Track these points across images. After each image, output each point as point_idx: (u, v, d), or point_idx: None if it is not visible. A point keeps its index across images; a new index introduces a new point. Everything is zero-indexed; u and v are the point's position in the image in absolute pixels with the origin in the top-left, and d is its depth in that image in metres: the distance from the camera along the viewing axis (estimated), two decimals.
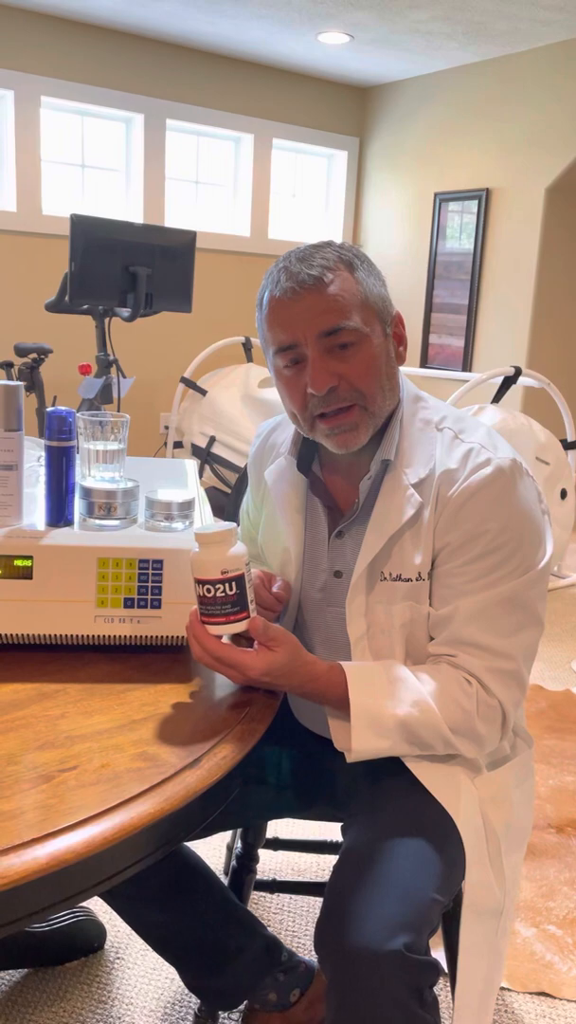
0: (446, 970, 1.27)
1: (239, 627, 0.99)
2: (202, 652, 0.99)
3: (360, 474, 1.16)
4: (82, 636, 1.07)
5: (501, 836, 1.12)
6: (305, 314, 1.08)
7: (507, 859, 1.13)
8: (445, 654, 1.10)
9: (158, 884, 1.28)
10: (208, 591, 0.98)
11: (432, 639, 1.13)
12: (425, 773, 1.10)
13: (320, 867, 1.88)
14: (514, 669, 1.09)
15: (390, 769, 1.11)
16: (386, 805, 1.11)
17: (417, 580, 1.11)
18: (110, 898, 1.32)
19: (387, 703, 1.05)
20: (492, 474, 1.08)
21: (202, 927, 1.31)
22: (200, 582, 0.98)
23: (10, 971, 1.59)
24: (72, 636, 1.06)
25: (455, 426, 1.15)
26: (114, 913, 1.70)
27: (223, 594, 0.98)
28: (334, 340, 1.09)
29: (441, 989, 1.54)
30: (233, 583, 0.98)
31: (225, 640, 1.00)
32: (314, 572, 1.22)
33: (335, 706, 1.08)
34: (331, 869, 1.07)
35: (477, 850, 1.09)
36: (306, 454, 1.23)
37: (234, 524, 1.01)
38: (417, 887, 1.01)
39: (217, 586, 0.97)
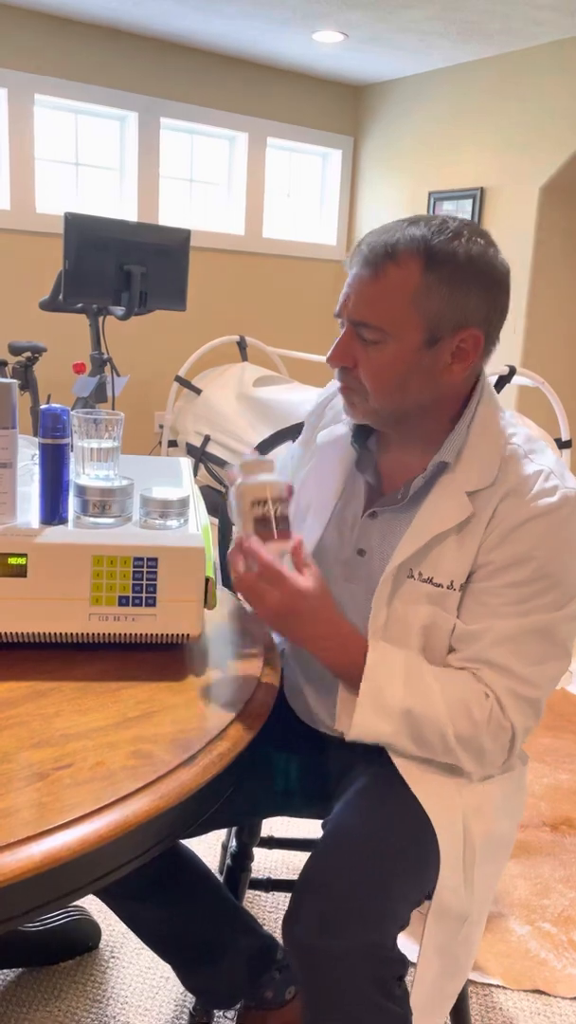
0: None
1: (291, 544, 1.05)
2: (246, 571, 1.01)
3: (413, 465, 1.14)
4: (76, 634, 1.06)
5: (479, 846, 1.10)
6: (353, 291, 1.07)
7: (480, 869, 1.10)
8: (469, 668, 1.08)
9: (154, 881, 1.28)
10: (271, 510, 1.04)
11: (452, 650, 1.11)
12: (412, 774, 1.09)
13: None
14: (535, 697, 1.07)
15: (381, 772, 1.10)
16: (363, 803, 1.10)
17: (448, 588, 1.09)
18: (106, 896, 1.32)
19: (399, 688, 1.04)
20: (558, 503, 1.05)
21: (198, 925, 1.31)
22: (262, 502, 1.04)
23: (4, 970, 1.58)
24: (66, 634, 1.06)
25: (525, 445, 1.11)
26: (108, 912, 1.70)
27: (282, 513, 1.04)
28: (359, 330, 1.08)
29: None
30: (289, 500, 1.06)
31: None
32: (339, 545, 1.21)
33: (344, 674, 1.07)
34: None
35: (452, 855, 1.07)
36: (364, 427, 1.21)
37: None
38: (384, 883, 1.00)
39: (277, 504, 1.04)
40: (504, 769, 1.17)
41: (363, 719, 1.05)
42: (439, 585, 1.09)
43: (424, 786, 1.09)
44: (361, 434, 1.21)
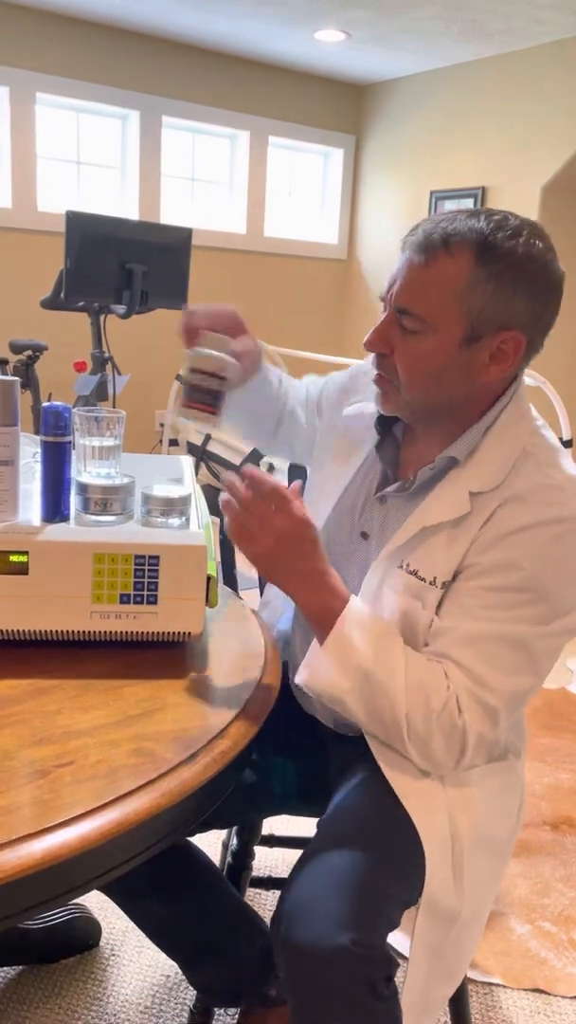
0: None
1: (216, 419, 1.14)
2: (248, 487, 1.02)
3: (432, 458, 1.12)
4: (78, 632, 1.06)
5: (467, 839, 1.08)
6: (400, 276, 1.06)
7: (471, 864, 1.08)
8: (437, 662, 1.06)
9: (159, 878, 1.27)
10: (202, 380, 1.13)
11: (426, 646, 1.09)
12: (392, 766, 1.07)
13: None
14: (494, 705, 1.03)
15: (375, 770, 1.09)
16: (354, 801, 1.09)
17: (430, 584, 1.07)
18: (109, 892, 1.32)
19: (368, 648, 1.03)
20: (554, 517, 1.02)
21: (203, 923, 1.30)
22: (199, 372, 1.13)
23: (5, 968, 1.58)
24: (68, 632, 1.06)
25: (544, 456, 1.08)
26: (109, 910, 1.70)
27: (217, 389, 1.13)
28: (401, 317, 1.06)
29: None
30: (226, 381, 1.14)
31: None
32: (347, 524, 1.20)
33: (323, 620, 1.05)
34: None
35: (439, 850, 1.06)
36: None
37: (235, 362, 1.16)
38: (369, 882, 0.99)
39: (213, 380, 1.12)
40: (489, 759, 1.15)
41: (323, 665, 1.03)
42: (422, 579, 1.08)
43: (406, 779, 1.07)
44: (386, 419, 1.20)
